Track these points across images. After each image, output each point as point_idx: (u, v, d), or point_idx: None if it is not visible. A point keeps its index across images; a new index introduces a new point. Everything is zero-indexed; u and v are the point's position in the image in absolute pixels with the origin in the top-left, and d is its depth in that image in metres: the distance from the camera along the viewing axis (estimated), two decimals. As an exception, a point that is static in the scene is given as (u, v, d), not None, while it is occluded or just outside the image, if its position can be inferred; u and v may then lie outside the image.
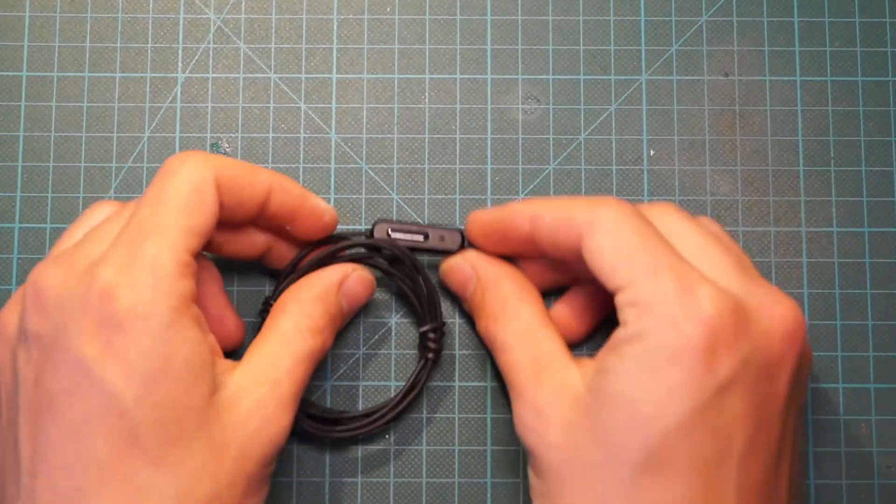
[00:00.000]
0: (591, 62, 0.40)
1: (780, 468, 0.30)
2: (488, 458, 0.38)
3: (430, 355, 0.37)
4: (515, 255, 0.36)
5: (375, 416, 0.37)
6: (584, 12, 0.41)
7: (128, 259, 0.29)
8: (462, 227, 0.38)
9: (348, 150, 0.40)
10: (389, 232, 0.37)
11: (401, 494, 0.38)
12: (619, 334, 0.30)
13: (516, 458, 0.38)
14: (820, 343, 0.39)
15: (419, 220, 0.39)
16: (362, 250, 0.37)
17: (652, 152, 0.40)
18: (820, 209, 0.40)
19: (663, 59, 0.41)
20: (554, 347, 0.33)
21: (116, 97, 0.40)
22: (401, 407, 0.37)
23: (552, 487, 0.31)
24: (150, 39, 0.40)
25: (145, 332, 0.28)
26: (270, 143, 0.40)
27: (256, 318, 0.37)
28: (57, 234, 0.38)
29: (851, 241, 0.40)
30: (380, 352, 0.39)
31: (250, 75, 0.40)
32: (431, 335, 0.37)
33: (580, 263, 0.32)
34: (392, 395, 0.38)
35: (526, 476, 0.37)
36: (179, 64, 0.40)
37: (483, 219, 0.36)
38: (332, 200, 0.40)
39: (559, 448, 0.30)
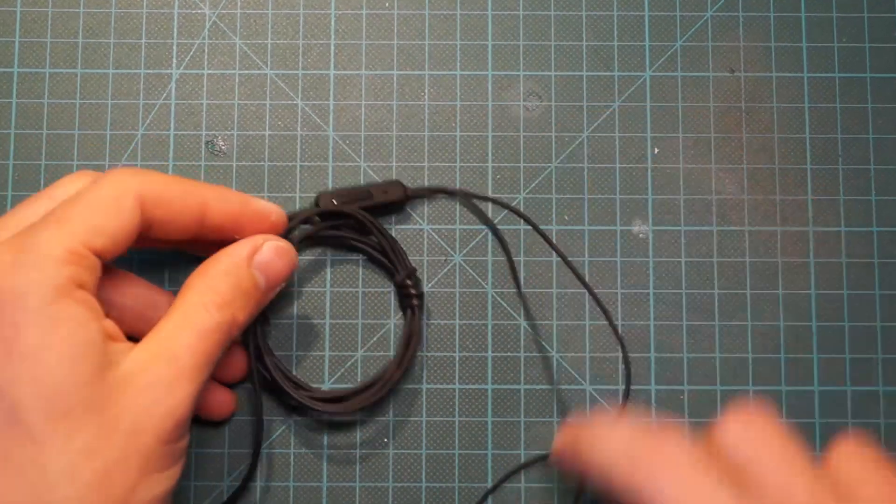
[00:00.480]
0: (594, 58, 0.40)
1: None
2: (489, 461, 0.38)
3: (416, 302, 0.37)
4: None
5: (381, 382, 0.37)
6: (586, 7, 0.40)
7: (19, 243, 0.29)
8: (398, 180, 0.38)
9: (346, 147, 0.40)
10: (334, 202, 0.37)
11: (400, 499, 0.37)
12: None
13: (517, 462, 0.38)
14: (827, 345, 0.39)
15: (419, 220, 0.39)
16: (312, 224, 0.37)
17: (656, 150, 0.40)
18: (828, 208, 0.39)
19: (668, 55, 0.40)
20: None
21: (110, 94, 0.40)
22: (405, 365, 0.37)
23: None
24: (143, 35, 0.40)
25: (21, 309, 0.28)
26: (267, 141, 0.39)
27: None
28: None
29: (860, 241, 0.39)
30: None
31: (246, 71, 0.40)
32: (409, 282, 0.37)
33: None
34: (385, 364, 0.37)
35: (526, 481, 0.37)
36: (174, 60, 0.40)
37: (562, 453, 0.33)
38: (330, 199, 0.39)
39: None
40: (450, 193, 0.39)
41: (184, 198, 0.32)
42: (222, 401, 0.37)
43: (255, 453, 0.37)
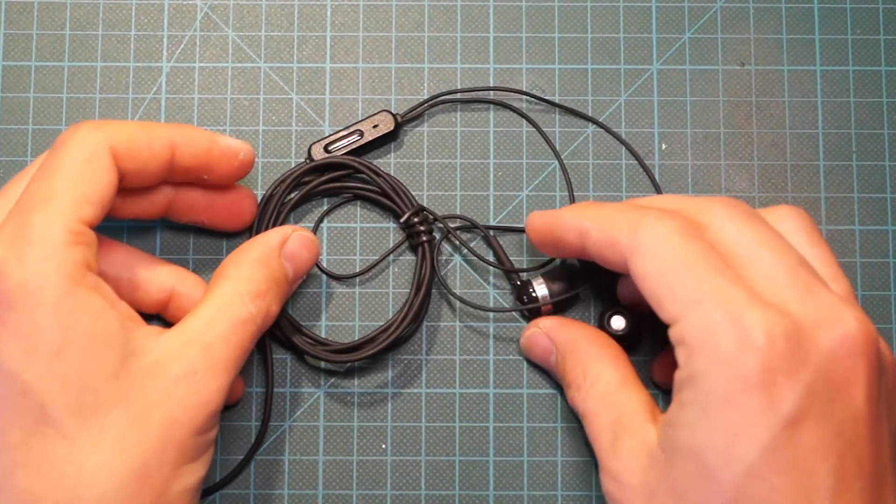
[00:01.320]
0: (599, 51, 0.40)
1: (883, 492, 0.28)
2: (490, 468, 0.37)
3: (425, 238, 0.37)
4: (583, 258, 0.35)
5: (398, 320, 0.36)
6: (591, -2, 0.40)
7: (15, 233, 0.29)
8: (389, 109, 0.38)
9: None
10: (326, 149, 0.37)
11: (398, 507, 0.37)
12: (676, 378, 0.29)
13: (520, 469, 0.37)
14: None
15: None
16: (311, 179, 0.38)
17: (664, 146, 0.39)
18: (841, 206, 0.39)
19: (676, 48, 0.40)
20: (634, 408, 0.32)
21: (98, 88, 0.39)
22: (418, 301, 0.36)
23: None
24: (133, 27, 0.39)
25: (38, 305, 0.28)
26: (260, 136, 0.39)
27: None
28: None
29: (874, 240, 0.39)
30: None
31: (239, 64, 0.39)
32: (415, 219, 0.36)
33: None
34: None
35: (528, 488, 0.37)
36: (164, 52, 0.39)
37: (536, 227, 0.35)
38: (326, 197, 0.39)
39: None
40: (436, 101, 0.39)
41: (151, 144, 0.32)
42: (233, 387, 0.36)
43: (256, 441, 0.36)
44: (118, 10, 0.39)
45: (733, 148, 0.39)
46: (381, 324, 0.37)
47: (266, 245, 0.34)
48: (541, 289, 0.36)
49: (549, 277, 0.37)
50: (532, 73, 0.39)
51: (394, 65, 0.39)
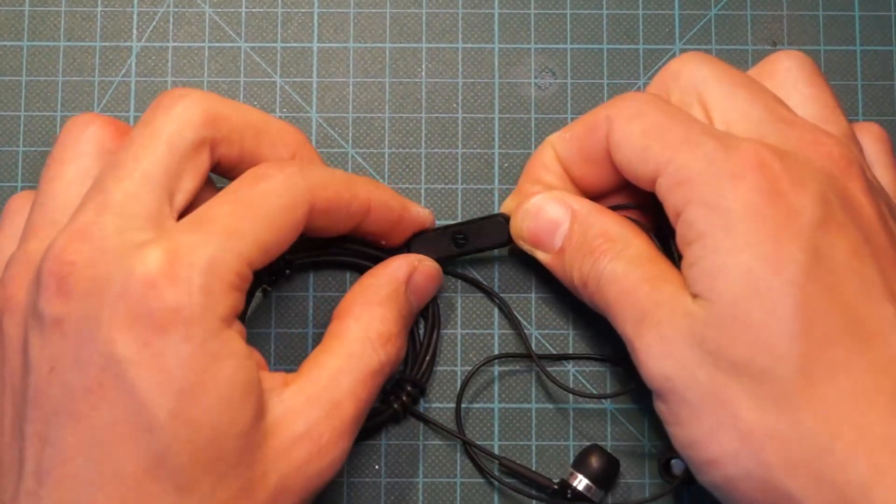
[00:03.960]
0: (615, 29, 0.39)
1: None
2: (496, 489, 0.36)
3: (396, 406, 0.34)
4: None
5: None
6: (607, -29, 0.40)
7: (182, 251, 0.27)
8: (500, 213, 0.36)
9: (331, 131, 0.38)
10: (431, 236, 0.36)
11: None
12: (679, 230, 0.29)
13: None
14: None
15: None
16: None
17: None
18: None
19: (700, 26, 0.39)
20: (670, 268, 0.31)
21: (60, 70, 0.38)
22: None
23: (685, 413, 0.29)
24: (99, 2, 0.39)
25: (188, 339, 0.27)
26: None
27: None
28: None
29: None
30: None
31: (217, 44, 0.39)
32: (409, 388, 0.35)
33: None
34: None
35: None
36: (134, 31, 0.39)
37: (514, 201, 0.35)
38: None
39: (687, 374, 0.28)
40: None
41: (349, 205, 0.31)
42: None
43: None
44: (83, -16, 0.39)
45: (764, 136, 0.38)
46: None
47: (395, 279, 0.33)
48: (580, 482, 0.34)
49: (580, 464, 0.34)
50: (541, 55, 0.38)
51: (388, 45, 0.39)
